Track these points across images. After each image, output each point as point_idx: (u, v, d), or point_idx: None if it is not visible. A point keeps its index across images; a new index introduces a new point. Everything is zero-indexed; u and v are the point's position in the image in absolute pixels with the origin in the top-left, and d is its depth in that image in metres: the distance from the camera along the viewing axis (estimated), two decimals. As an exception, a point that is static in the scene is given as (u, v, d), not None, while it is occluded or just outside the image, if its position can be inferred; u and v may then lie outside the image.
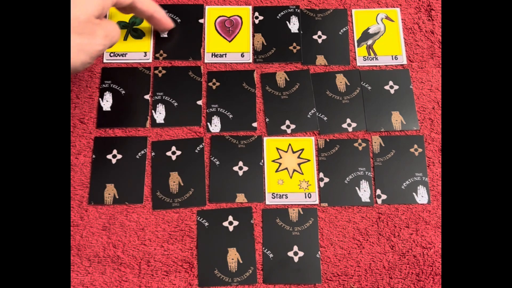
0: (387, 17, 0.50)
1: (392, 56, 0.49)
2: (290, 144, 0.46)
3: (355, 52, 0.49)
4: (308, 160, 0.45)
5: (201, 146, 0.46)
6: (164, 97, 0.47)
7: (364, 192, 0.44)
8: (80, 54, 0.38)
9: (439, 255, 0.42)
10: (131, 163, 0.45)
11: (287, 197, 0.44)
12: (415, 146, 0.46)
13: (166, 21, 0.48)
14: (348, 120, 0.47)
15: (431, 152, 0.46)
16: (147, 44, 0.49)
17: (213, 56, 0.49)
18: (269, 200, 0.44)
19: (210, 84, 0.48)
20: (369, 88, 0.48)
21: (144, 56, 0.49)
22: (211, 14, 0.50)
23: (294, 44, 0.49)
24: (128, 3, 0.44)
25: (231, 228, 0.43)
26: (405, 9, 0.51)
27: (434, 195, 0.44)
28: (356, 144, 0.46)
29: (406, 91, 0.48)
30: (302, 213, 0.44)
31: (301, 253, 0.42)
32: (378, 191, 0.44)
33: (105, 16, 0.44)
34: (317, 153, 0.46)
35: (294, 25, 0.50)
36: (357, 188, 0.44)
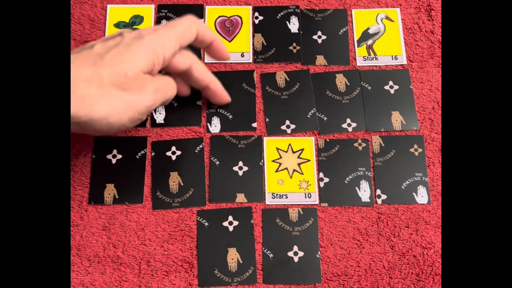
0: (387, 17, 0.50)
1: (392, 56, 0.49)
2: (290, 144, 0.46)
3: (355, 52, 0.49)
4: (308, 160, 0.45)
5: (201, 146, 0.46)
6: (164, 97, 0.47)
7: (364, 192, 0.44)
8: (127, 110, 0.37)
9: (439, 255, 0.42)
10: (131, 163, 0.45)
11: (287, 197, 0.44)
12: (415, 146, 0.46)
13: (223, 94, 0.45)
14: (348, 120, 0.47)
15: (431, 152, 0.46)
16: (147, 44, 0.49)
17: (213, 56, 0.49)
18: (269, 200, 0.44)
19: (210, 84, 0.48)
20: (369, 88, 0.48)
21: (144, 56, 0.49)
22: (211, 14, 0.50)
23: (294, 44, 0.49)
24: (183, 68, 0.41)
25: (231, 228, 0.43)
26: (405, 9, 0.51)
27: (434, 195, 0.45)
28: (356, 144, 0.46)
29: (406, 91, 0.48)
30: (302, 213, 0.44)
31: (301, 253, 0.42)
32: (378, 191, 0.44)
33: (159, 71, 0.41)
34: (317, 153, 0.46)
35: (294, 25, 0.50)
36: (357, 188, 0.44)
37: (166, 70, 0.41)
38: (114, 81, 0.36)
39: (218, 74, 0.48)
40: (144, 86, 0.37)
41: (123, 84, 0.36)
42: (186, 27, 0.40)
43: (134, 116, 0.38)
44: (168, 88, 0.40)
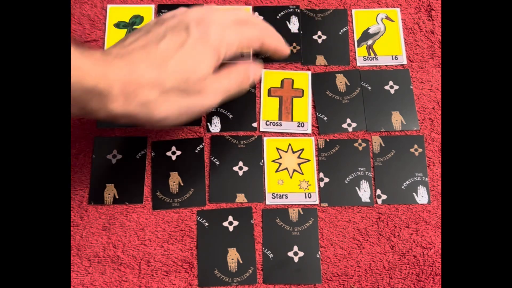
0: (387, 17, 0.50)
1: (392, 56, 0.49)
2: (290, 144, 0.46)
3: (355, 52, 0.49)
4: (308, 160, 0.45)
5: (201, 146, 0.46)
6: (164, 97, 0.47)
7: (364, 192, 0.44)
8: (186, 113, 0.37)
9: (439, 255, 0.42)
10: (131, 163, 0.45)
11: (287, 197, 0.44)
12: (415, 146, 0.46)
13: (282, 48, 0.43)
14: (348, 120, 0.47)
15: (431, 152, 0.46)
16: (147, 44, 0.49)
17: (213, 56, 0.49)
18: (269, 200, 0.44)
19: (210, 84, 0.48)
20: (369, 88, 0.48)
21: (144, 56, 0.49)
22: (211, 14, 0.50)
23: (294, 44, 0.49)
24: (257, 45, 0.40)
25: (231, 228, 0.43)
26: (405, 9, 0.51)
27: (434, 195, 0.44)
28: (356, 144, 0.46)
29: (406, 91, 0.48)
30: (302, 213, 0.44)
31: (301, 253, 0.42)
32: (378, 191, 0.44)
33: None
34: (317, 153, 0.46)
35: (294, 25, 0.50)
36: (357, 188, 0.44)
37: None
38: (176, 87, 0.35)
39: (218, 74, 0.48)
40: (205, 88, 0.37)
41: (185, 89, 0.36)
42: (254, 37, 0.40)
43: (191, 117, 0.38)
44: (231, 85, 0.39)
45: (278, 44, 0.43)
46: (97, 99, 0.33)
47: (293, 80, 0.48)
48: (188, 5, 0.50)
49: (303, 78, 0.48)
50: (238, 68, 0.40)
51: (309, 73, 0.48)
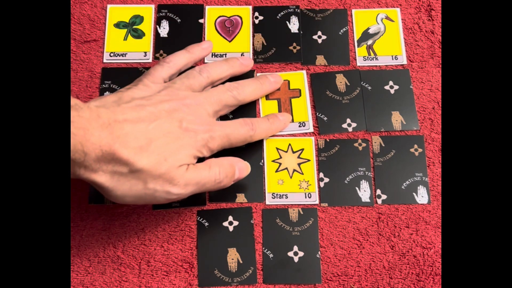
0: (387, 17, 0.50)
1: (392, 56, 0.49)
2: (290, 144, 0.46)
3: (355, 52, 0.49)
4: (308, 160, 0.45)
5: (201, 146, 0.46)
6: (164, 97, 0.47)
7: (364, 192, 0.44)
8: (147, 197, 0.36)
9: (439, 255, 0.42)
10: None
11: (287, 197, 0.44)
12: (415, 146, 0.46)
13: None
14: (348, 120, 0.47)
15: (431, 152, 0.46)
16: (147, 44, 0.49)
17: (214, 56, 0.49)
18: (269, 200, 0.44)
19: (210, 84, 0.48)
20: (369, 88, 0.48)
21: (144, 56, 0.49)
22: (211, 14, 0.50)
23: (294, 44, 0.49)
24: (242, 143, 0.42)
25: (231, 228, 0.43)
26: (405, 9, 0.51)
27: (434, 195, 0.44)
28: (356, 144, 0.46)
29: (406, 91, 0.48)
30: (302, 213, 0.44)
31: (301, 253, 0.42)
32: (378, 191, 0.44)
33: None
34: (317, 153, 0.46)
35: (294, 25, 0.50)
36: (357, 188, 0.44)
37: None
38: (146, 169, 0.35)
39: (218, 74, 0.48)
40: (176, 176, 0.37)
41: (154, 174, 0.36)
42: (242, 138, 0.42)
43: (154, 202, 0.38)
44: (208, 178, 0.38)
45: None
46: (77, 157, 0.33)
47: (289, 81, 0.48)
48: (188, 6, 0.50)
49: (298, 78, 0.48)
50: (223, 163, 0.40)
51: (304, 72, 0.48)
